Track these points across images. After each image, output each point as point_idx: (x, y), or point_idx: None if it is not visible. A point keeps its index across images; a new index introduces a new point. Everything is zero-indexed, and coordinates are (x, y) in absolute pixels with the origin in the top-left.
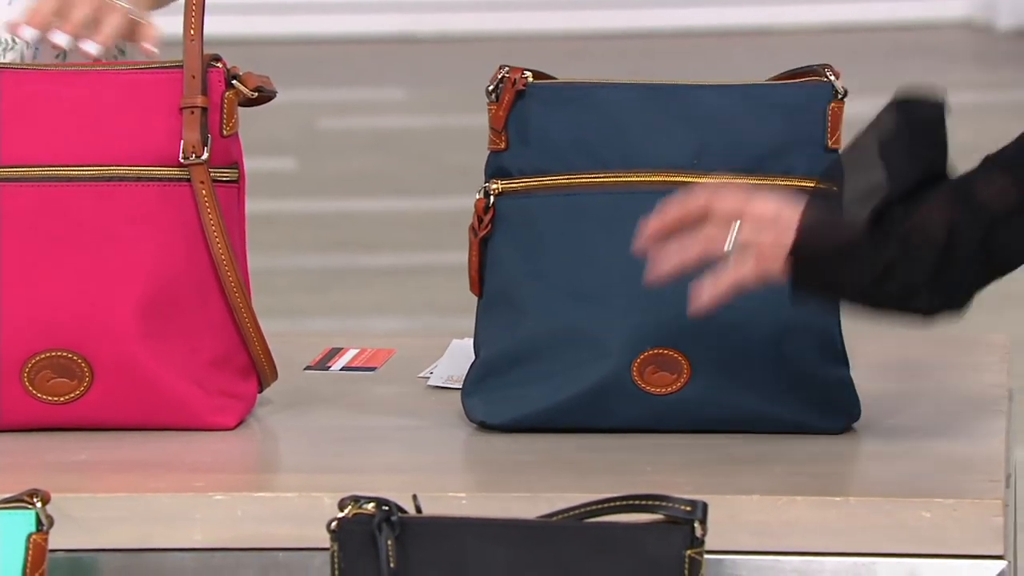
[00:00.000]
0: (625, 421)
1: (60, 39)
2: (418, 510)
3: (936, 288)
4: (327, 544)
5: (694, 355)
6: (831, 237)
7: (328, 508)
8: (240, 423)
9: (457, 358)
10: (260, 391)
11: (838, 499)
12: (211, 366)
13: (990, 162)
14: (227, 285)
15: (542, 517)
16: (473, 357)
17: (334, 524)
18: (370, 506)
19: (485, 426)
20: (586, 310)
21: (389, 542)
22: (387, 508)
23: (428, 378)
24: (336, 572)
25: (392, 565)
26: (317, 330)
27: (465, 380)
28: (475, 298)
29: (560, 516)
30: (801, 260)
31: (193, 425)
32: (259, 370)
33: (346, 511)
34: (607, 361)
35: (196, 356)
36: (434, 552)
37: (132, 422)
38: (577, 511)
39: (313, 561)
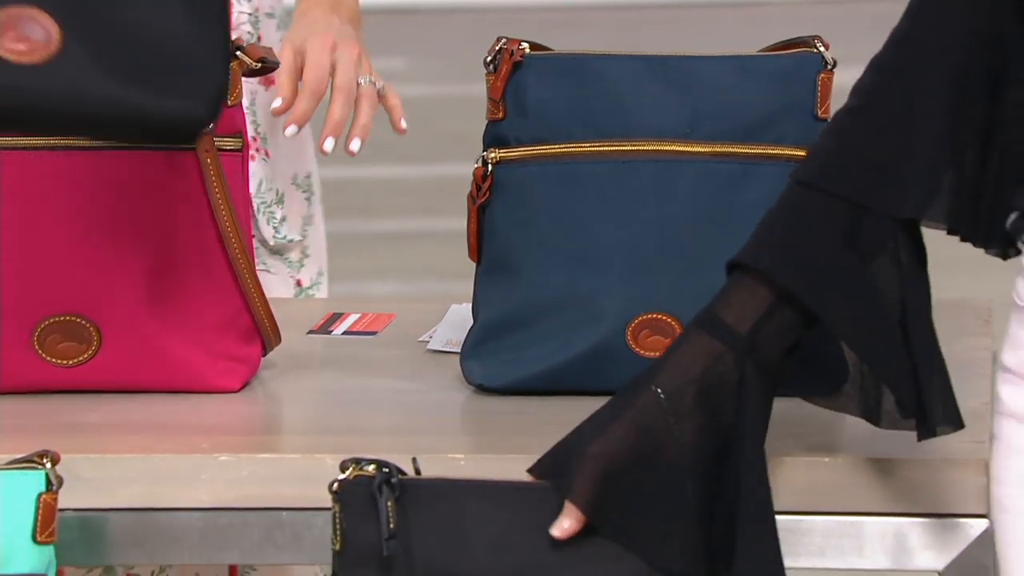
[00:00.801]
0: (620, 384)
1: (328, 145)
2: (417, 472)
3: None
4: (329, 504)
5: (687, 319)
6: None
7: (330, 469)
8: (244, 386)
9: (456, 323)
10: (264, 355)
11: (826, 459)
12: (216, 330)
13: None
14: (231, 251)
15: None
16: (471, 322)
17: (336, 486)
18: (371, 468)
19: (483, 389)
20: (582, 276)
21: (389, 503)
22: (387, 470)
23: (427, 342)
24: (338, 532)
25: (392, 525)
26: (319, 296)
27: (464, 344)
28: (474, 264)
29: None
30: None
31: (199, 388)
32: (262, 334)
33: (347, 473)
34: (602, 326)
35: (201, 321)
36: (433, 513)
37: (139, 385)
38: None
39: (316, 521)
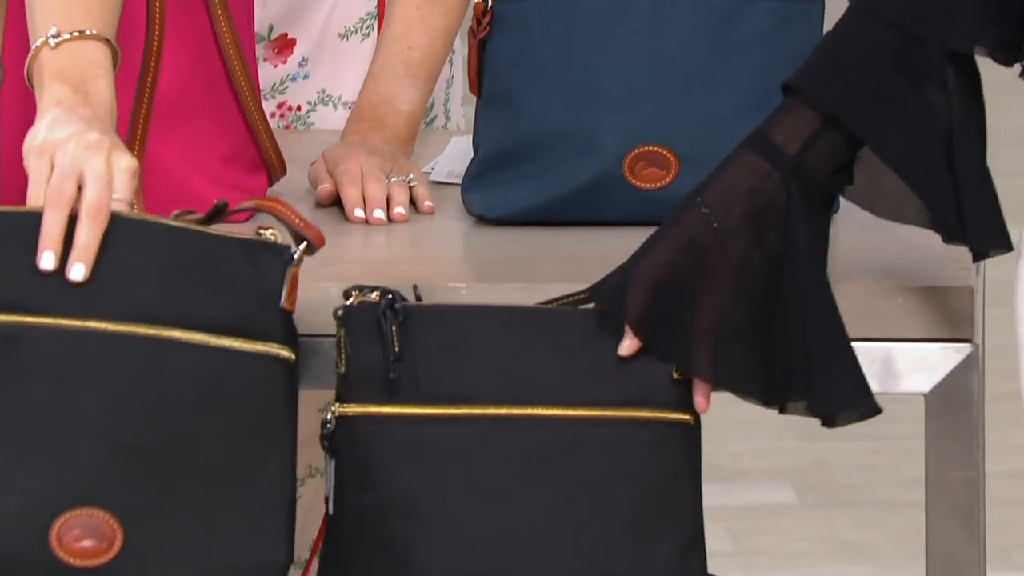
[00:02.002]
0: (617, 215)
1: (359, 214)
2: (418, 300)
3: None
4: (334, 331)
5: (683, 151)
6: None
7: (335, 297)
8: (251, 217)
9: (457, 155)
10: (270, 185)
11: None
12: (224, 162)
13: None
14: (238, 86)
15: (540, 304)
16: (472, 154)
17: (340, 312)
18: (374, 295)
19: (484, 220)
20: (580, 109)
21: (394, 328)
22: (391, 296)
23: (429, 173)
24: (342, 356)
25: (397, 349)
26: (324, 127)
27: (464, 176)
28: (474, 97)
29: (558, 302)
30: None
31: None
32: (269, 165)
33: (351, 300)
34: (599, 158)
35: (210, 153)
36: (436, 338)
37: (151, 214)
38: (572, 298)
39: (322, 347)
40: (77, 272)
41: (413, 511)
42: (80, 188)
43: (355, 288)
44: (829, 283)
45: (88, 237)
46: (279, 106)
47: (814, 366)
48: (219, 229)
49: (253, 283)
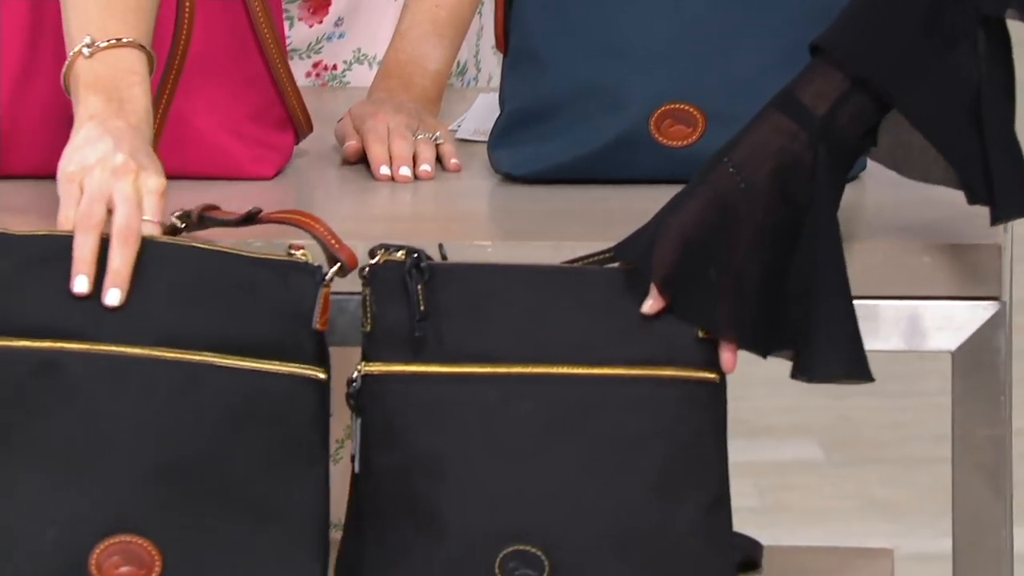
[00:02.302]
0: (643, 173)
1: (384, 171)
2: (444, 258)
3: None
4: (360, 289)
5: (710, 109)
6: None
7: (362, 255)
8: (278, 173)
9: (484, 112)
10: (296, 143)
11: (855, 246)
12: (250, 119)
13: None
14: (264, 43)
15: (565, 262)
16: (499, 111)
17: (366, 271)
18: (400, 254)
19: (510, 177)
20: (607, 66)
21: (419, 287)
22: (416, 255)
23: (456, 131)
24: (368, 315)
25: (422, 308)
26: (351, 85)
27: (491, 133)
28: (501, 56)
29: (583, 261)
30: None
31: (235, 175)
32: (295, 122)
33: (377, 258)
34: (626, 115)
35: (237, 109)
36: (461, 297)
37: (178, 171)
38: (598, 257)
39: (348, 305)
40: (112, 297)
41: (438, 470)
42: (110, 212)
43: (381, 247)
44: (842, 245)
45: (121, 261)
46: (315, 65)
47: (814, 326)
48: (250, 250)
49: (285, 304)
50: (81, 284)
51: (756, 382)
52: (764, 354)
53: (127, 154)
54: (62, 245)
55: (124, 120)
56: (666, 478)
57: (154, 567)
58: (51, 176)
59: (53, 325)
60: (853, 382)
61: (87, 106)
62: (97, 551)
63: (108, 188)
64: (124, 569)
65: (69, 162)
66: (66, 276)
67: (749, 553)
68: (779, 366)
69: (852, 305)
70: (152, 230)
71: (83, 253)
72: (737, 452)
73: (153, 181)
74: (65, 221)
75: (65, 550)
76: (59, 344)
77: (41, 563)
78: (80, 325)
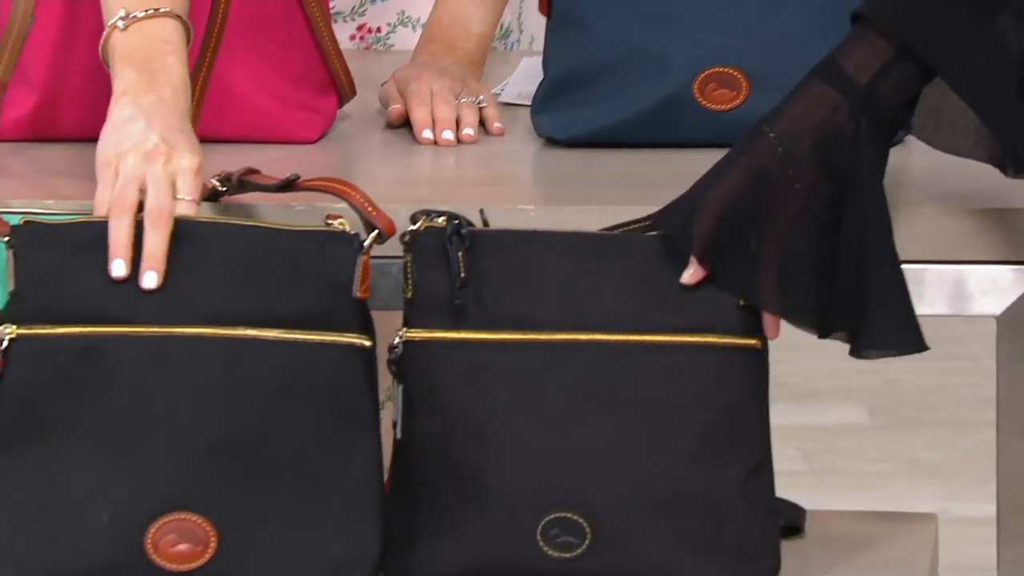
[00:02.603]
0: (686, 136)
1: (427, 135)
2: (485, 223)
3: None
4: (402, 254)
5: (754, 73)
6: None
7: (403, 219)
8: (321, 137)
9: (527, 75)
10: (339, 107)
11: (901, 210)
12: (294, 83)
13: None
14: (308, 6)
15: (606, 229)
16: (542, 75)
17: (407, 237)
18: (441, 220)
19: (553, 142)
20: (650, 29)
21: (460, 253)
22: (457, 222)
23: (499, 95)
24: (409, 282)
25: (463, 275)
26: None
27: (534, 97)
28: (545, 18)
29: (624, 228)
30: None
31: (278, 138)
32: (338, 86)
33: (418, 224)
34: (670, 79)
35: (280, 73)
36: (502, 264)
37: (221, 134)
38: (638, 225)
39: (390, 269)
40: (149, 280)
41: (479, 436)
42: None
43: (422, 212)
44: (890, 216)
45: (155, 244)
46: (359, 28)
47: (868, 299)
48: (291, 215)
49: (324, 275)
50: (119, 268)
51: (802, 345)
52: (816, 330)
53: (159, 135)
54: (100, 232)
55: (156, 93)
56: (707, 445)
57: (210, 543)
58: (93, 139)
59: (95, 311)
60: (909, 353)
61: (121, 80)
62: (152, 530)
63: (141, 172)
64: (182, 547)
65: (106, 146)
66: (105, 262)
67: (792, 518)
68: None
69: (903, 278)
70: (188, 208)
71: (119, 237)
72: (782, 416)
73: (186, 160)
74: (100, 205)
75: (121, 532)
76: (102, 328)
77: (98, 547)
78: (122, 309)
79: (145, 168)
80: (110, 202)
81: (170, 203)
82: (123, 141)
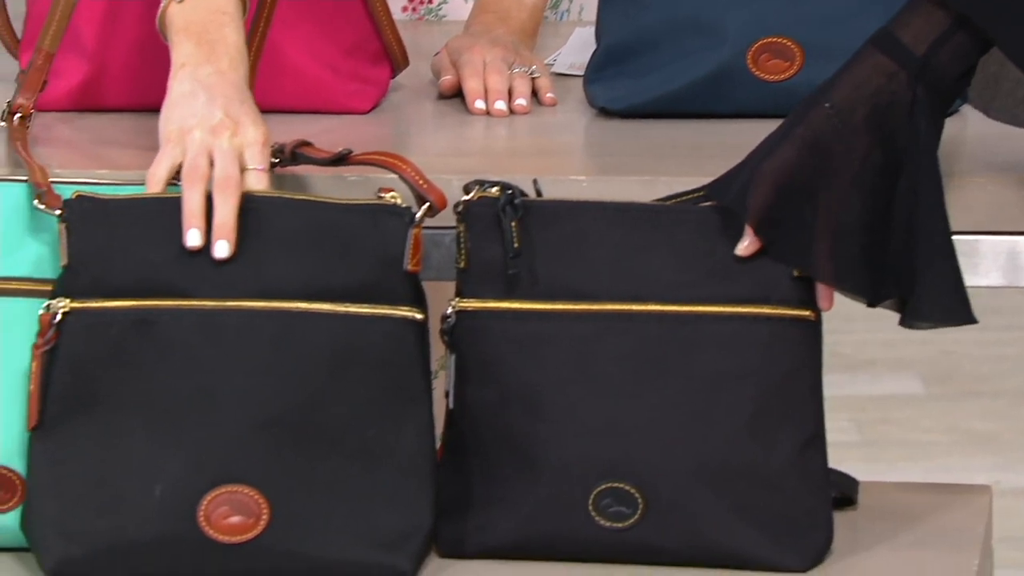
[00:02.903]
0: (739, 107)
1: (479, 105)
2: (539, 193)
3: None
4: (455, 224)
5: (807, 43)
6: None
7: (456, 190)
8: (374, 107)
9: (580, 45)
10: (392, 77)
11: (954, 181)
12: (346, 53)
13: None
14: None
15: (658, 200)
16: (595, 45)
17: (460, 207)
18: (494, 190)
19: (606, 112)
20: (704, 0)
21: (513, 224)
22: (511, 192)
23: (551, 65)
24: (462, 252)
25: (516, 245)
26: (447, 18)
27: (587, 67)
28: None
29: (677, 199)
30: None
31: (331, 108)
32: (391, 56)
33: (471, 195)
34: (723, 49)
35: (333, 44)
36: (554, 233)
37: (274, 105)
38: (692, 195)
39: (443, 239)
40: (221, 249)
41: (532, 406)
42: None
43: (475, 183)
44: (943, 187)
45: (224, 214)
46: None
47: (918, 270)
48: (344, 187)
49: (376, 248)
50: (194, 237)
51: (856, 316)
52: (867, 299)
53: (222, 110)
54: (153, 206)
55: (215, 65)
56: (760, 416)
57: (262, 515)
58: (141, 109)
59: (148, 284)
60: (957, 325)
61: (179, 52)
62: (205, 503)
63: (208, 145)
64: (234, 519)
65: (168, 121)
66: (157, 235)
67: (845, 489)
68: None
69: (954, 250)
70: (258, 177)
71: (192, 207)
72: (836, 386)
73: (251, 133)
74: (154, 179)
75: (173, 505)
76: (154, 302)
77: (151, 519)
78: (175, 282)
79: (212, 142)
80: (183, 173)
81: (238, 173)
82: (187, 117)
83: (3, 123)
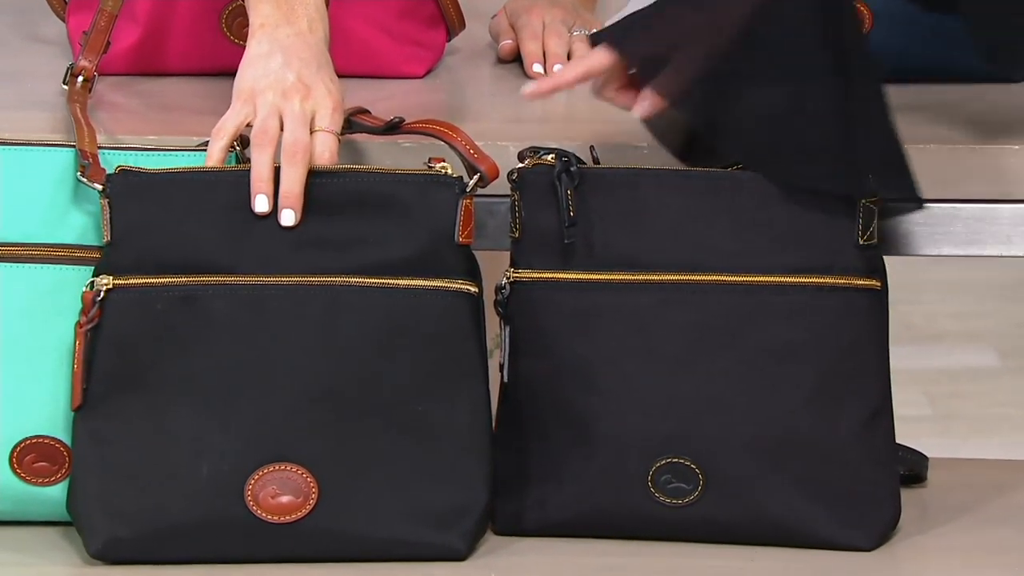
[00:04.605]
0: None
1: (538, 69)
2: (596, 161)
3: None
4: (510, 192)
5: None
6: None
7: (512, 157)
8: (429, 71)
9: (641, 7)
10: (448, 40)
11: (1016, 147)
12: (401, 16)
13: None
14: None
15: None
16: None
17: (514, 175)
18: (549, 157)
19: None
20: None
21: (568, 192)
22: (567, 159)
23: None
24: (517, 220)
25: (572, 214)
26: None
27: None
28: None
29: (734, 167)
30: None
31: (386, 73)
32: (447, 19)
33: (526, 162)
34: None
35: (387, 7)
36: (611, 201)
37: None
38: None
39: (499, 208)
40: (287, 218)
41: (589, 379)
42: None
43: (530, 150)
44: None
45: (291, 181)
46: None
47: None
48: (391, 167)
49: (427, 219)
50: (261, 204)
51: (927, 287)
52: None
53: (295, 74)
54: (196, 182)
55: (294, 26)
56: (824, 388)
57: (311, 494)
58: (195, 73)
59: (192, 260)
60: (897, 200)
61: (258, 13)
62: (252, 481)
63: (279, 107)
64: (283, 499)
65: (242, 79)
66: (202, 211)
67: (913, 466)
68: (950, 271)
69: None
70: (328, 139)
71: (260, 171)
72: (907, 359)
73: (323, 97)
74: (220, 130)
75: (221, 483)
76: (199, 278)
77: (198, 499)
78: (220, 258)
79: (283, 104)
80: (253, 135)
81: (307, 138)
82: (260, 77)
83: (65, 86)
